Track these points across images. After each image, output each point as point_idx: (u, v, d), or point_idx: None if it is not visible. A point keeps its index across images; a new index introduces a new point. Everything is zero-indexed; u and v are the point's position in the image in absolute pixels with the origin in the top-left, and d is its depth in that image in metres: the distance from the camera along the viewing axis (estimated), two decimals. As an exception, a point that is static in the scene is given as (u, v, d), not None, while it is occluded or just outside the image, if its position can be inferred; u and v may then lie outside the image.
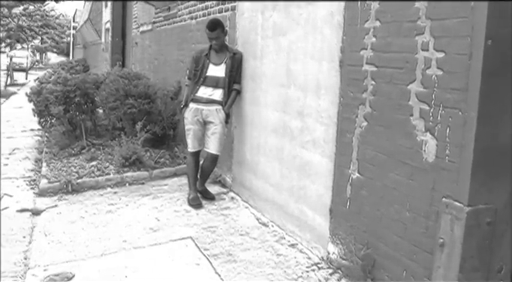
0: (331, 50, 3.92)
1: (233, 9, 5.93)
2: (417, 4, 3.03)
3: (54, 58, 52.47)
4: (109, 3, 17.61)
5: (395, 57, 3.22)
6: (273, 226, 4.97)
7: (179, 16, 8.44)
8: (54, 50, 53.81)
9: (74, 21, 45.40)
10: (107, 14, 18.91)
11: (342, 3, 3.76)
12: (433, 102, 2.97)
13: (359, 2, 3.55)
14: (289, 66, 4.59)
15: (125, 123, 8.06)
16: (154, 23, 10.44)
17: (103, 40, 20.60)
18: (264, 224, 5.06)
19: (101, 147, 8.12)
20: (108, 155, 7.63)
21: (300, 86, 4.40)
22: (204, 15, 7.10)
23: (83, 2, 35.48)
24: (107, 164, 7.23)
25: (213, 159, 5.62)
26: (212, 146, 5.52)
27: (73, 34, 44.47)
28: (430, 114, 2.98)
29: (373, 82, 3.43)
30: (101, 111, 9.06)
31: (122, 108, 7.62)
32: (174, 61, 8.75)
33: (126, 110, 7.62)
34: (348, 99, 3.71)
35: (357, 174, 3.65)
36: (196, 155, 5.70)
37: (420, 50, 3.02)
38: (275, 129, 4.89)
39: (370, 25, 3.44)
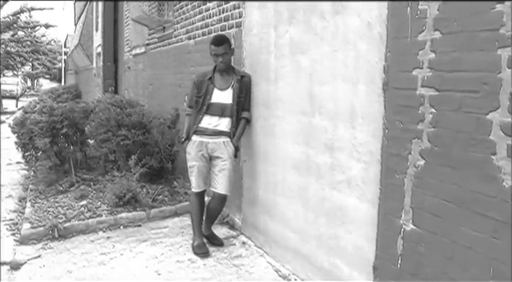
0: (370, 70, 3.17)
1: (238, 25, 5.20)
2: (499, 6, 2.28)
3: (46, 84, 51.69)
4: (100, 27, 16.96)
5: (467, 78, 2.47)
6: (296, 280, 4.17)
7: (175, 36, 7.72)
8: (46, 76, 53.05)
9: (65, 46, 44.78)
10: (97, 37, 18.27)
11: (384, 11, 3.02)
12: (526, 137, 2.21)
13: (408, 9, 2.81)
14: (312, 90, 3.84)
15: (118, 156, 7.29)
16: (147, 45, 9.73)
17: (94, 65, 19.96)
18: (285, 277, 4.26)
19: (92, 183, 7.35)
20: (100, 192, 6.87)
21: (328, 114, 3.64)
22: (203, 34, 6.37)
23: (74, 27, 34.89)
24: (99, 203, 6.45)
25: (222, 200, 4.83)
26: (220, 185, 4.73)
27: (64, 60, 43.87)
28: (523, 152, 2.23)
29: (432, 110, 2.67)
30: (92, 141, 8.30)
31: (114, 139, 6.85)
32: (171, 86, 8.01)
33: (118, 142, 6.84)
34: (396, 131, 2.94)
35: (412, 226, 2.87)
36: (201, 195, 4.91)
37: (506, 67, 2.27)
38: (296, 165, 4.12)
39: (426, 37, 2.69)
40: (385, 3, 3.00)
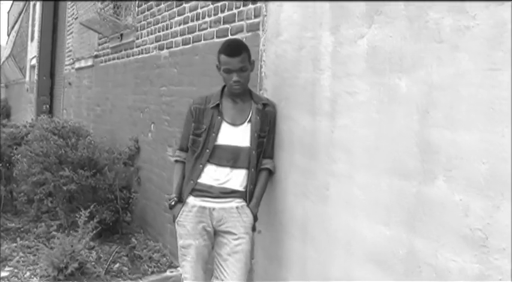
0: None
1: (253, 28, 3.51)
2: None
3: (-28, 98, 48.09)
4: (36, 36, 14.98)
5: None
6: None
7: (138, 46, 5.95)
8: (-27, 89, 49.43)
9: (-6, 58, 41.73)
10: (32, 48, 16.26)
11: None
12: None
13: None
14: (427, 136, 2.18)
15: (56, 202, 5.40)
16: (96, 56, 7.88)
17: (27, 79, 17.89)
18: None
19: (19, 237, 5.47)
20: (30, 253, 5.02)
21: (470, 182, 1.99)
22: (185, 43, 4.65)
23: (7, 37, 32.28)
24: (28, 273, 4.66)
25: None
26: (232, 276, 2.95)
27: (-7, 72, 40.84)
28: None
29: None
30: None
31: (54, 181, 4.97)
32: (130, 109, 6.19)
33: (59, 185, 4.96)
34: None
35: None
36: (197, 289, 3.11)
37: None
38: (382, 259, 2.43)
39: None
40: None
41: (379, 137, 2.44)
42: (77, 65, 9.46)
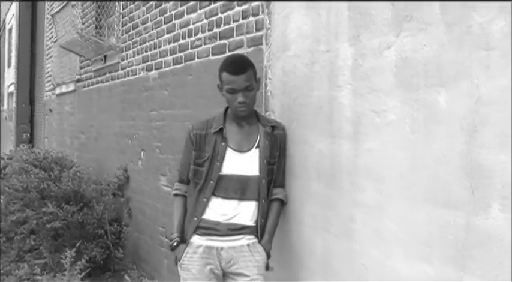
0: None
1: (257, 42, 3.20)
2: None
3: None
4: (13, 62, 14.58)
5: None
6: None
7: (123, 68, 5.61)
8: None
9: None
10: (10, 74, 15.82)
11: None
12: None
13: None
14: (476, 159, 1.88)
15: (40, 239, 4.99)
16: (79, 81, 7.53)
17: (5, 107, 17.43)
18: None
19: (-1, 281, 5.05)
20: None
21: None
22: (176, 62, 4.33)
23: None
24: None
25: None
26: (246, 326, 2.61)
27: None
28: None
29: None
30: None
31: (36, 218, 4.57)
32: (117, 136, 5.83)
33: (42, 222, 4.57)
34: None
35: None
36: None
37: None
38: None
39: None
40: None
41: (414, 161, 2.13)
42: (57, 91, 9.08)
